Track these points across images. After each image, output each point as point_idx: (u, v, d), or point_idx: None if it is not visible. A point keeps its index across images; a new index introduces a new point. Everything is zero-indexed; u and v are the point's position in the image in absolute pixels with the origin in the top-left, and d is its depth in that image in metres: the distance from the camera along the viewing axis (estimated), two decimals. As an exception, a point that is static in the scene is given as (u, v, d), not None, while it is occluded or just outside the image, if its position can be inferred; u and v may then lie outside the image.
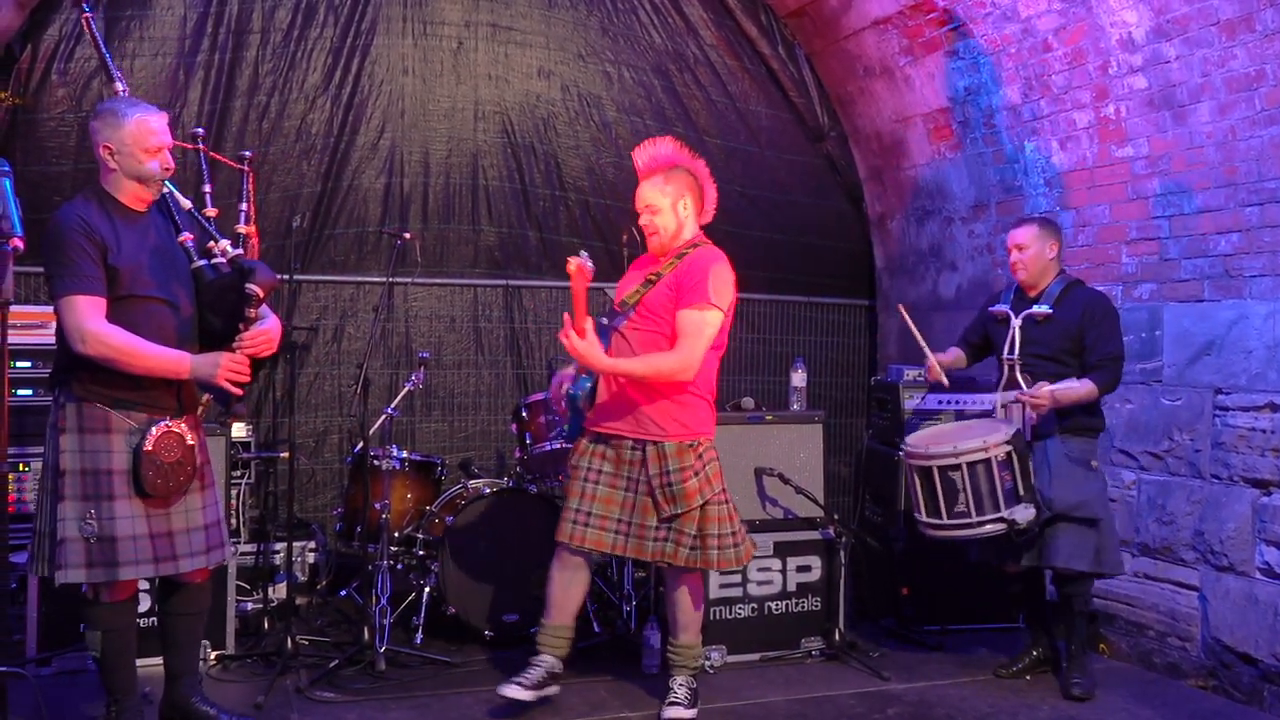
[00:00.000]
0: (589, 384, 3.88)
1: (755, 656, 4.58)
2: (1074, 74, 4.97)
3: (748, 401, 4.90)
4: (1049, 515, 4.12)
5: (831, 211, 6.75)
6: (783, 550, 4.63)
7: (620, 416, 3.78)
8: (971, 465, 4.07)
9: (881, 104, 6.24)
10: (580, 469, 3.85)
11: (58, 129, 5.30)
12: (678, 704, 3.85)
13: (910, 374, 5.23)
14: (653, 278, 3.79)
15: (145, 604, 4.07)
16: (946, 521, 4.15)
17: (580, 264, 3.62)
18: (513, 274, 6.11)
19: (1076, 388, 4.10)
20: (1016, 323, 4.30)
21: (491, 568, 4.66)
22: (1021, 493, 4.05)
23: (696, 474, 3.75)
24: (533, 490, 4.83)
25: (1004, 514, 4.03)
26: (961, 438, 4.16)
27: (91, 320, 3.10)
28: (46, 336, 4.45)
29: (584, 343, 3.57)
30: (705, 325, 3.67)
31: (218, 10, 5.52)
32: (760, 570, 4.60)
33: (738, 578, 4.56)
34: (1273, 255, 4.23)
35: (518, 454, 5.05)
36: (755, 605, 4.59)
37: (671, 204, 3.83)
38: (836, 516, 4.82)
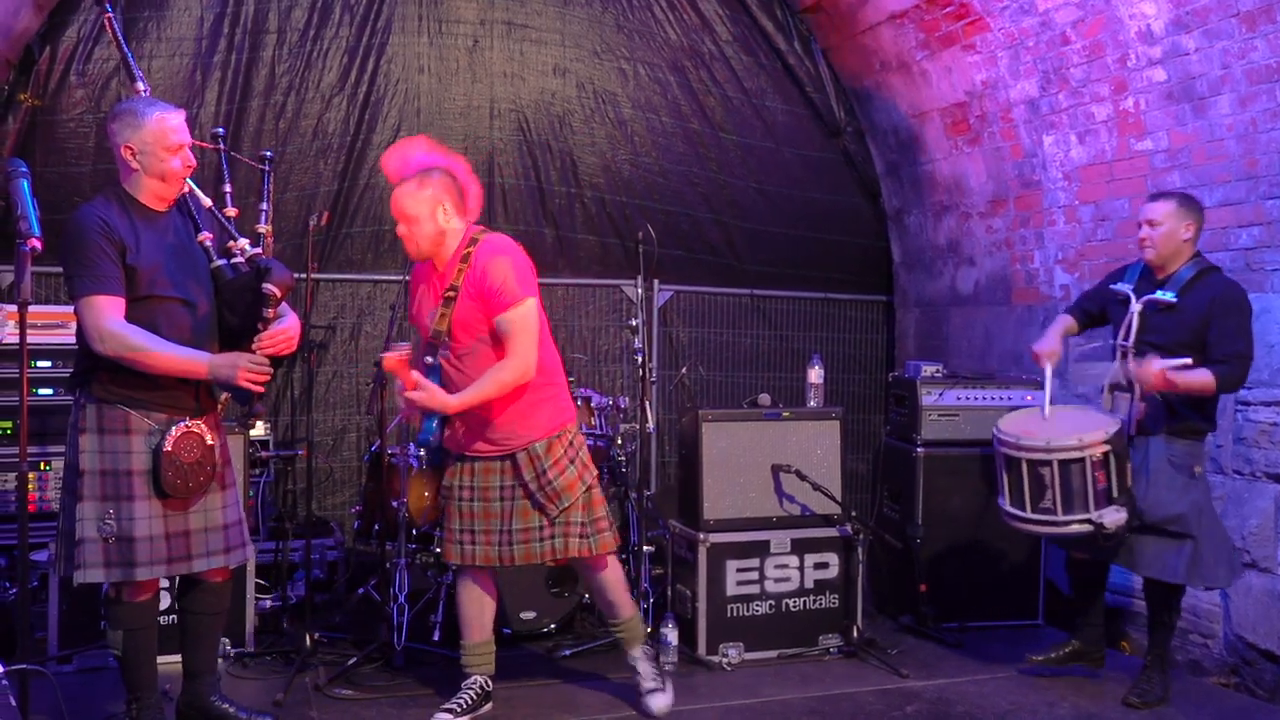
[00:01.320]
0: (435, 423, 3.72)
1: (773, 654, 4.56)
2: (1092, 67, 4.93)
3: (764, 398, 4.89)
4: (1139, 524, 3.89)
5: (848, 207, 6.72)
6: (800, 547, 4.62)
7: (480, 438, 3.70)
8: (1064, 463, 3.83)
9: (898, 99, 6.21)
10: (453, 489, 3.78)
11: (76, 130, 5.34)
12: (658, 690, 3.89)
13: (928, 370, 5.20)
14: (450, 294, 3.59)
15: (165, 601, 4.09)
16: (1030, 515, 3.95)
17: (389, 358, 3.64)
18: (529, 271, 6.11)
19: (1197, 375, 3.74)
20: (1136, 306, 3.98)
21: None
22: (1115, 494, 3.82)
23: (572, 461, 3.72)
24: (550, 488, 4.82)
25: (1092, 516, 3.80)
26: (1057, 431, 3.90)
27: (110, 320, 3.12)
28: (65, 336, 4.50)
29: (422, 394, 3.52)
30: (527, 320, 3.57)
31: (234, 11, 5.55)
32: (778, 567, 4.59)
33: (755, 574, 4.55)
34: (1295, 248, 4.19)
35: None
36: (773, 602, 4.58)
37: (430, 211, 3.57)
38: (854, 513, 4.80)
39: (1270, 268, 4.29)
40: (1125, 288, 4.09)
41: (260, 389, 3.26)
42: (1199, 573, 3.92)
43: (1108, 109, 4.94)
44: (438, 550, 4.77)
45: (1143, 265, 4.12)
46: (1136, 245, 4.11)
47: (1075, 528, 3.86)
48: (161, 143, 3.23)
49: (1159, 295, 3.95)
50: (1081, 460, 3.81)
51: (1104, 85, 4.91)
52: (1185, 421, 3.94)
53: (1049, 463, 3.85)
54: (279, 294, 3.26)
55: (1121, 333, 4.02)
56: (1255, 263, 4.35)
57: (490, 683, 3.89)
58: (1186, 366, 3.75)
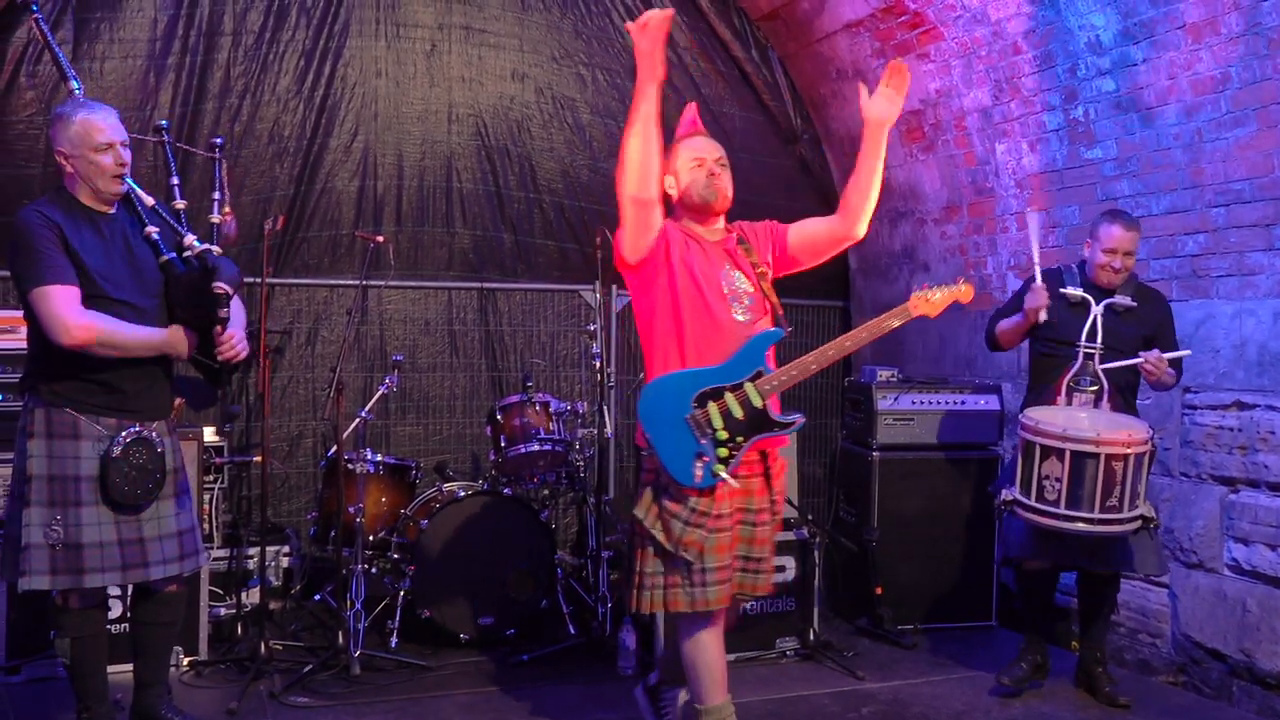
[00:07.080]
0: None
1: (731, 657, 4.55)
2: (1043, 76, 5.01)
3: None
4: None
5: (804, 213, 6.55)
6: (757, 551, 4.63)
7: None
8: (1139, 457, 3.82)
9: (854, 106, 6.21)
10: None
11: (26, 131, 5.25)
12: None
13: (883, 374, 5.25)
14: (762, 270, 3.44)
15: (117, 610, 4.04)
16: (1096, 514, 3.80)
17: None
18: (487, 276, 6.10)
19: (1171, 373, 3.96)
20: (1098, 310, 4.06)
21: (466, 571, 4.65)
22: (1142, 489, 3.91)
23: None
24: (507, 493, 4.82)
25: (1143, 510, 3.88)
26: (1111, 425, 3.87)
27: (71, 309, 3.06)
28: (13, 341, 4.41)
29: None
30: None
31: (189, 12, 5.49)
32: (735, 571, 4.60)
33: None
34: (1239, 256, 4.27)
35: (492, 456, 5.05)
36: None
37: None
38: (810, 517, 4.84)
39: (1215, 274, 4.38)
40: (1078, 290, 4.15)
41: (235, 357, 3.28)
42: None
43: (1058, 118, 5.02)
44: (394, 557, 4.75)
45: (1075, 271, 4.23)
46: (1102, 269, 4.11)
47: (1131, 524, 3.86)
48: (88, 143, 3.19)
49: (1119, 300, 4.09)
50: (1145, 454, 3.84)
51: (1055, 94, 4.99)
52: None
53: (1125, 457, 3.78)
54: (230, 292, 3.23)
55: (1084, 335, 4.06)
56: (1200, 269, 4.44)
57: None
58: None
